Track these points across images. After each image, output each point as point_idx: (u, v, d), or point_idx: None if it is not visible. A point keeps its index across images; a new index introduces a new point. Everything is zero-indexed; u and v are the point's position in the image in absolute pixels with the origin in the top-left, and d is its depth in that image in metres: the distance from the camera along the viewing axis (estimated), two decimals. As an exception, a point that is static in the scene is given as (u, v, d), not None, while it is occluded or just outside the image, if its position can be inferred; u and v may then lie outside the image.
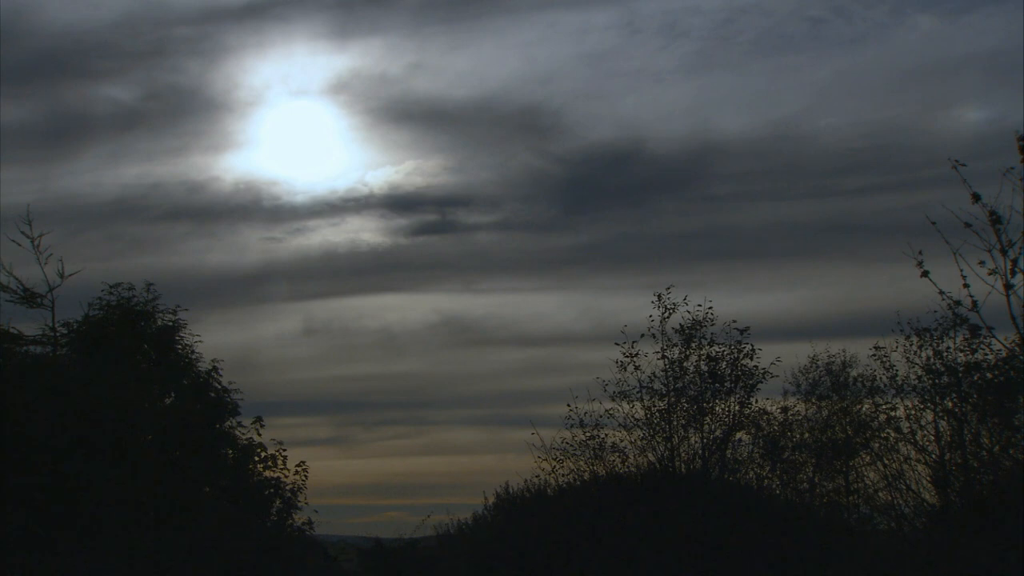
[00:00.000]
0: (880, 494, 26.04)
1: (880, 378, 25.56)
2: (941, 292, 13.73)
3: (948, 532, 23.54)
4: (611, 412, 26.37)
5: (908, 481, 24.94)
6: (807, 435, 28.51)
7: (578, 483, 27.59)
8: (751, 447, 26.77)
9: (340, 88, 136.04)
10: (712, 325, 26.26)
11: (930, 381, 24.21)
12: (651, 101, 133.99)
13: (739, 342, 26.13)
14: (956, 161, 13.19)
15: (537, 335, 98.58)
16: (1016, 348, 15.70)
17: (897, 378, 24.83)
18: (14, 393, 21.30)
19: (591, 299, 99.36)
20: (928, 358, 24.23)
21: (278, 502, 28.56)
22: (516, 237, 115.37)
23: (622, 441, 26.51)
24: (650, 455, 26.34)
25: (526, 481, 31.63)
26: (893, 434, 25.28)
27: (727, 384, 26.08)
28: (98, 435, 21.61)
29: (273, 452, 28.55)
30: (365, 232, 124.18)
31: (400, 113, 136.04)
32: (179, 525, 23.02)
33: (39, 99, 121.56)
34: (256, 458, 28.23)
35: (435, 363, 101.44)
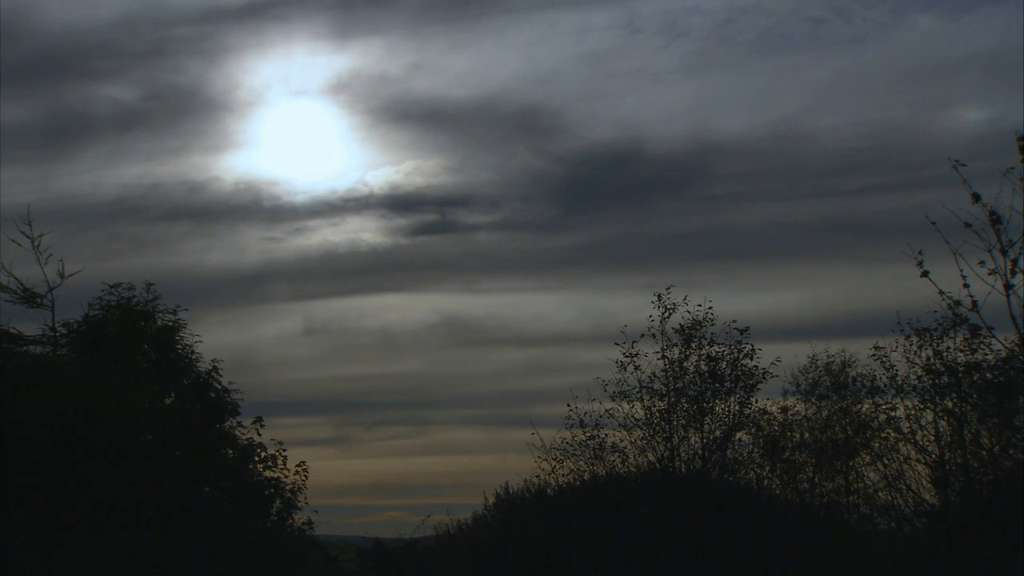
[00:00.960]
0: (880, 494, 26.05)
1: (880, 378, 25.59)
2: (941, 292, 13.74)
3: (948, 532, 23.55)
4: (611, 412, 26.40)
5: (908, 481, 24.96)
6: (807, 435, 28.52)
7: (578, 483, 27.59)
8: (751, 447, 26.78)
9: (340, 88, 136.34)
10: (712, 325, 26.29)
11: (930, 381, 24.21)
12: (651, 101, 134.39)
13: (739, 342, 26.15)
14: (956, 161, 13.20)
15: (537, 335, 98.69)
16: (1016, 348, 15.70)
17: (897, 378, 24.85)
18: (14, 393, 21.29)
19: (591, 299, 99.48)
20: (928, 358, 24.23)
21: (278, 502, 28.54)
22: (516, 237, 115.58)
23: (622, 441, 26.53)
24: (650, 455, 26.35)
25: (526, 481, 31.67)
26: (893, 434, 25.29)
27: (727, 384, 26.08)
28: (98, 435, 21.60)
29: (273, 452, 28.54)
30: (365, 232, 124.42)
31: (400, 113, 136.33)
32: (179, 525, 23.00)
33: (39, 99, 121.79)
34: (256, 458, 28.22)
35: (435, 363, 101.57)
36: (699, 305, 26.30)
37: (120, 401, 22.70)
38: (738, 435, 26.40)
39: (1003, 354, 22.37)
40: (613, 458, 26.60)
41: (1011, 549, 20.65)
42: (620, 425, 26.37)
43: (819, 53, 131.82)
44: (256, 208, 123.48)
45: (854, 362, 29.74)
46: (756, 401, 26.36)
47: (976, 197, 13.04)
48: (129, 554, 21.49)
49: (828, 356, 30.26)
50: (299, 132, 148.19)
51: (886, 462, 25.41)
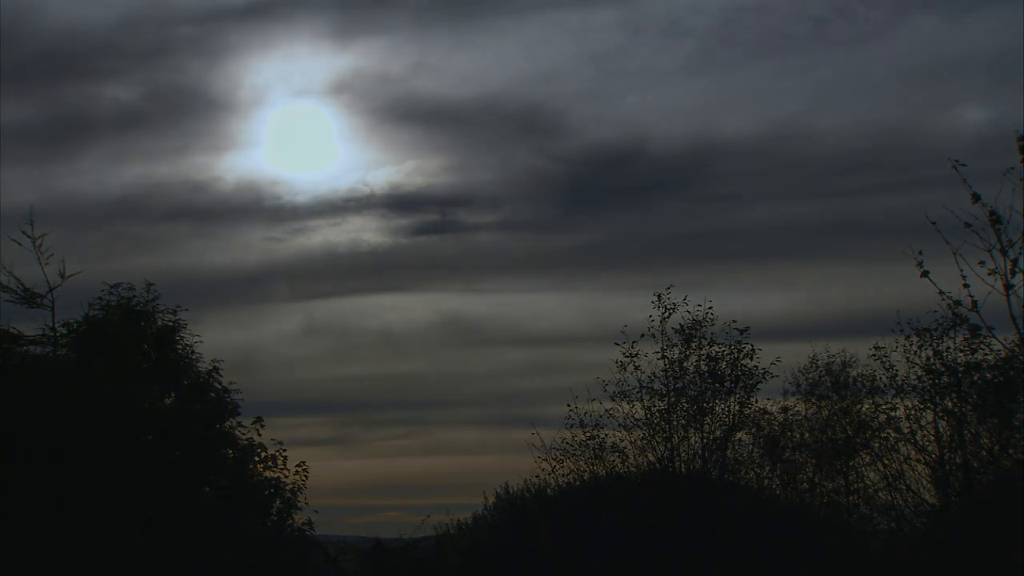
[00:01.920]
0: (880, 494, 26.07)
1: (880, 378, 25.63)
2: (941, 292, 13.74)
3: (948, 532, 23.56)
4: (611, 412, 26.41)
5: (908, 481, 24.98)
6: (807, 435, 28.52)
7: (578, 483, 27.59)
8: (751, 447, 26.79)
9: (342, 88, 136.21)
10: (712, 325, 26.29)
11: (930, 381, 24.24)
12: (653, 101, 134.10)
13: (739, 342, 26.15)
14: (956, 161, 13.21)
15: (537, 335, 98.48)
16: (1016, 348, 15.72)
17: (897, 378, 24.89)
18: (14, 393, 21.30)
19: (592, 299, 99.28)
20: (928, 358, 24.26)
21: (278, 502, 28.51)
22: (517, 237, 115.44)
23: (622, 441, 26.54)
24: (650, 455, 26.36)
25: (526, 481, 31.67)
26: (893, 434, 25.32)
27: (727, 384, 26.09)
28: (97, 435, 21.61)
29: (273, 452, 28.51)
30: (366, 232, 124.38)
31: (402, 113, 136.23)
32: (178, 525, 23.01)
33: (41, 99, 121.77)
34: (256, 458, 28.19)
35: (435, 363, 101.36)
36: (699, 305, 26.34)
37: (120, 401, 22.70)
38: (738, 435, 26.42)
39: (1003, 354, 22.40)
40: (613, 458, 26.62)
41: (1011, 549, 20.66)
42: (620, 425, 26.41)
43: (821, 53, 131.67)
44: (257, 208, 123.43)
45: (854, 362, 29.80)
46: (756, 401, 26.41)
47: (976, 197, 13.05)
48: (128, 554, 21.50)
49: (828, 356, 30.32)
50: (300, 132, 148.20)
51: (886, 462, 25.43)
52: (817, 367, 30.16)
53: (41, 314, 24.86)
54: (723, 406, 26.15)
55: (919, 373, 24.36)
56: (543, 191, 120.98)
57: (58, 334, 25.31)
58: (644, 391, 26.23)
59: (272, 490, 28.32)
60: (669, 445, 26.06)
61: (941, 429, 24.26)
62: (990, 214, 12.94)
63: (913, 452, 24.76)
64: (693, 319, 26.24)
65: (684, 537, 24.92)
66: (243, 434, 27.98)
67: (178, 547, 22.70)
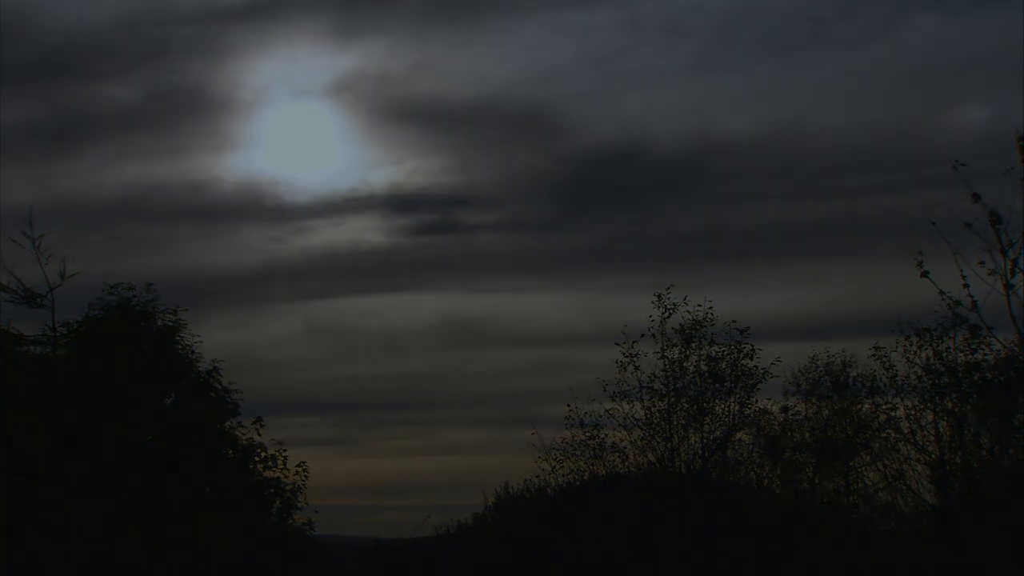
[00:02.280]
0: (880, 494, 26.10)
1: (880, 378, 25.63)
2: (941, 292, 13.72)
3: (948, 532, 23.58)
4: (611, 412, 26.41)
5: (908, 481, 25.01)
6: (807, 435, 28.53)
7: (578, 483, 27.61)
8: (751, 447, 26.80)
9: (342, 88, 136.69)
10: (712, 325, 26.29)
11: (930, 381, 24.26)
12: (653, 101, 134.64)
13: (739, 342, 26.14)
14: (956, 161, 13.20)
15: (537, 335, 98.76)
16: (1016, 348, 15.69)
17: (897, 378, 24.90)
18: (14, 393, 21.31)
19: (592, 299, 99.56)
20: (928, 358, 24.28)
21: (278, 502, 28.54)
22: (517, 237, 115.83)
23: (622, 441, 26.55)
24: (650, 455, 26.38)
25: (526, 481, 31.74)
26: (893, 434, 25.34)
27: (727, 384, 26.09)
28: (98, 435, 21.62)
29: (273, 452, 28.54)
30: (367, 232, 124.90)
31: (402, 113, 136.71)
32: (179, 525, 23.02)
33: (41, 99, 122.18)
34: (256, 458, 28.21)
35: (436, 363, 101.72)
36: (699, 305, 26.34)
37: (120, 401, 22.71)
38: (738, 435, 26.43)
39: (1003, 354, 22.38)
40: (613, 458, 26.64)
41: (1011, 549, 20.67)
42: (620, 425, 26.41)
43: (821, 53, 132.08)
44: (258, 208, 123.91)
45: (854, 362, 29.77)
46: (756, 401, 26.42)
47: (976, 197, 13.04)
48: (128, 552, 21.51)
49: (828, 356, 30.29)
50: (301, 132, 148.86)
51: (886, 462, 25.46)
52: (817, 367, 30.14)
53: (41, 314, 24.85)
54: (723, 406, 26.17)
55: (919, 373, 24.40)
56: (543, 191, 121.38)
57: (58, 334, 25.30)
58: (644, 391, 26.26)
59: (272, 490, 28.35)
60: (669, 445, 26.06)
61: (941, 429, 24.29)
62: (990, 214, 12.93)
63: (913, 452, 24.80)
64: (693, 319, 26.26)
65: (684, 537, 24.93)
66: (243, 434, 27.99)
67: (178, 546, 22.72)
